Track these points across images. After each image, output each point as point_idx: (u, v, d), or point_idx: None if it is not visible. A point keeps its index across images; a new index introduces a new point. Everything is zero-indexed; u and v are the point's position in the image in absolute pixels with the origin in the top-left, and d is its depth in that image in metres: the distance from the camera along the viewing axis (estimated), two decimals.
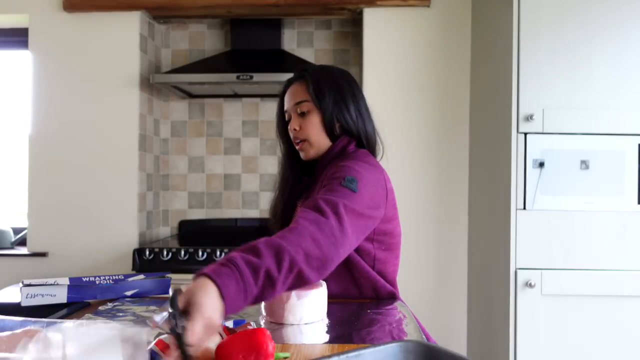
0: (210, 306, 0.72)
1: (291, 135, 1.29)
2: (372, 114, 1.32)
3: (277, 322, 1.03)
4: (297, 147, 1.29)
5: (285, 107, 1.30)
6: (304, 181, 1.34)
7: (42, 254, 2.48)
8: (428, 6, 2.45)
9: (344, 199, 1.02)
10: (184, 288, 0.75)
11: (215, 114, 2.82)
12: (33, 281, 1.19)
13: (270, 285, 0.83)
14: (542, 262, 1.88)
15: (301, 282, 0.88)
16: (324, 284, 1.09)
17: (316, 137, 1.24)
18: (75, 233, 2.48)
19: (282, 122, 1.34)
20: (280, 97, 1.33)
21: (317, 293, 1.03)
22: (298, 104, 1.25)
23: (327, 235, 0.94)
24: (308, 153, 1.27)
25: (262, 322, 1.05)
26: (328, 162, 1.24)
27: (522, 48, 1.88)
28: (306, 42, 2.79)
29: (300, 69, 1.30)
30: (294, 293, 1.01)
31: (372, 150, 1.31)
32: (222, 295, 0.75)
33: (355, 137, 1.27)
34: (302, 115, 1.25)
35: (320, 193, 1.06)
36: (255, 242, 0.87)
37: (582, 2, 1.89)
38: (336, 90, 1.24)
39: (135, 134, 2.49)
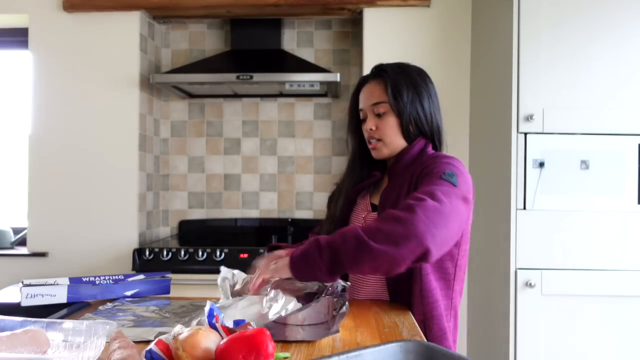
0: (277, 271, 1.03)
1: (365, 134, 1.29)
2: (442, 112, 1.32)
3: (280, 322, 1.03)
4: (370, 146, 1.28)
5: (361, 106, 1.29)
6: (371, 177, 1.33)
7: (42, 254, 2.48)
8: (428, 6, 2.45)
9: (443, 187, 1.06)
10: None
11: (215, 114, 2.82)
12: (33, 281, 1.19)
13: (336, 256, 0.98)
14: (542, 262, 1.88)
15: (365, 250, 0.96)
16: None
17: (391, 138, 1.25)
18: (75, 233, 2.48)
19: (355, 119, 1.33)
20: (354, 94, 1.33)
21: (321, 299, 1.03)
22: (375, 104, 1.25)
23: (415, 212, 0.98)
24: (382, 153, 1.27)
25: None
26: (407, 164, 1.24)
27: (522, 48, 1.88)
28: (306, 42, 2.79)
29: (379, 68, 1.29)
30: (294, 298, 1.01)
31: (441, 150, 1.31)
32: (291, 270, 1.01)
33: (429, 138, 1.27)
34: (379, 115, 1.25)
35: (419, 187, 1.10)
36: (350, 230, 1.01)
37: (582, 3, 1.89)
38: (414, 92, 1.24)
39: (135, 134, 2.49)
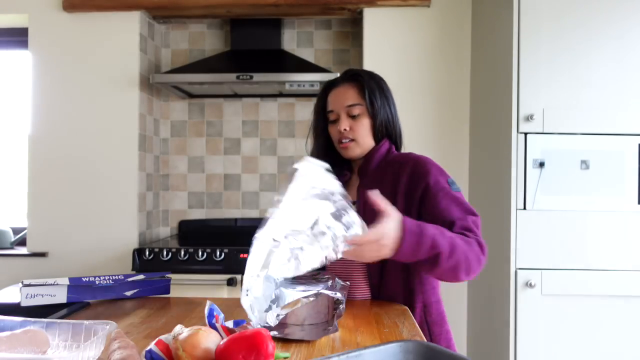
0: (385, 241, 0.99)
1: (336, 134, 1.34)
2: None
3: (280, 322, 1.02)
4: (341, 146, 1.33)
5: (332, 107, 1.34)
6: (344, 175, 1.37)
7: (42, 254, 2.48)
8: (428, 6, 2.45)
9: (471, 212, 1.19)
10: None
11: (215, 114, 2.82)
12: (33, 281, 1.19)
13: (435, 263, 1.05)
14: (542, 262, 1.88)
15: (453, 273, 1.09)
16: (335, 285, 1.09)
17: (364, 139, 1.31)
18: (75, 233, 2.48)
19: (322, 121, 1.38)
20: (321, 96, 1.38)
21: (321, 296, 1.03)
22: (351, 106, 1.30)
23: (476, 251, 1.13)
24: (354, 152, 1.33)
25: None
26: (377, 163, 1.32)
27: (522, 48, 1.89)
28: (306, 42, 2.79)
29: (352, 72, 1.36)
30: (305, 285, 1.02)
31: (400, 150, 1.41)
32: (399, 245, 1.01)
33: (392, 140, 1.36)
34: (353, 117, 1.31)
35: (447, 204, 1.18)
36: (446, 229, 1.09)
37: (582, 2, 1.89)
38: (383, 97, 1.33)
39: (135, 134, 2.49)
